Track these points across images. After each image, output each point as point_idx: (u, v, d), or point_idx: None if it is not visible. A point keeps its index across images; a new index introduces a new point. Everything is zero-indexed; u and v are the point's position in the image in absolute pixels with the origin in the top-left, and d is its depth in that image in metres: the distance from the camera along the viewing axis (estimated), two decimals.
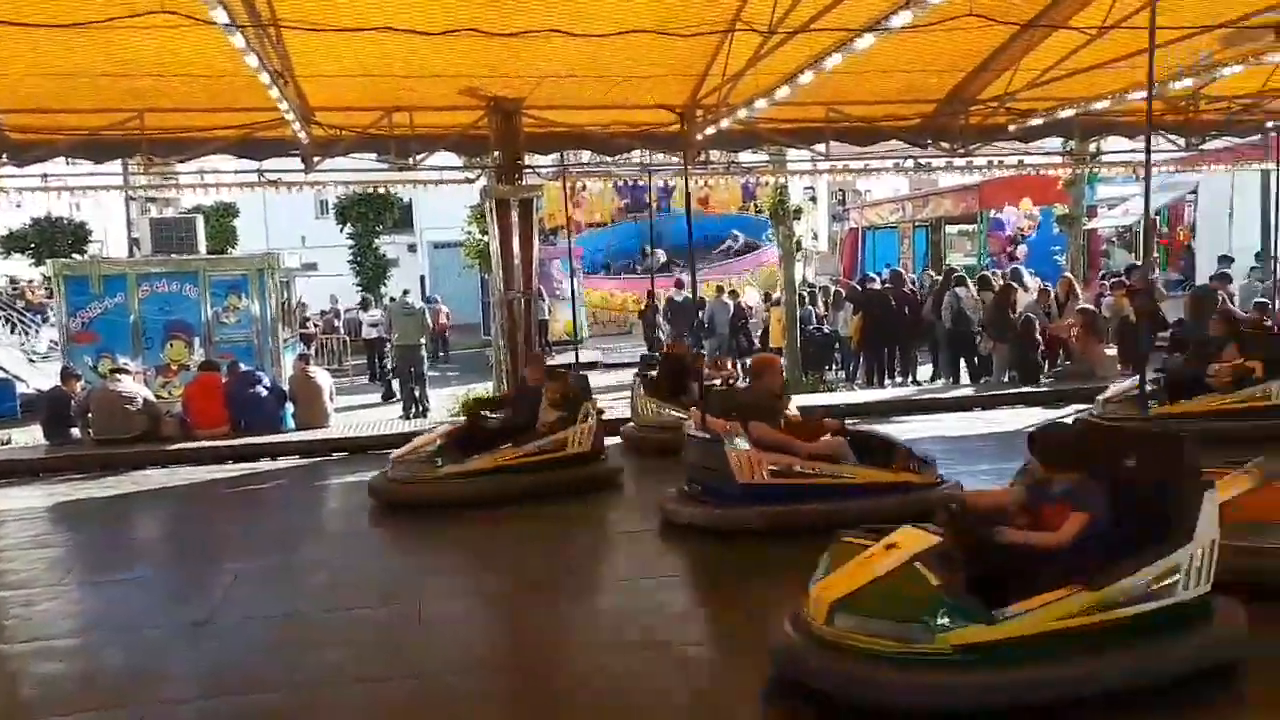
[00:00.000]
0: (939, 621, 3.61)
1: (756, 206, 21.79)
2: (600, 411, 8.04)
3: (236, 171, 13.24)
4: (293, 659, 4.69)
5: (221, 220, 25.81)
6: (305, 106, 10.34)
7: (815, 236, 28.18)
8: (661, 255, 22.42)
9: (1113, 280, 15.43)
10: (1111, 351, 13.10)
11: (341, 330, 22.25)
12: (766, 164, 14.48)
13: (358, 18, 7.79)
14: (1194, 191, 19.63)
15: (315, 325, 22.68)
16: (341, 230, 25.95)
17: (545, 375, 8.40)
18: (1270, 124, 13.20)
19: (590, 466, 7.85)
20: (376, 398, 16.61)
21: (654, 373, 9.98)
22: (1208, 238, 18.98)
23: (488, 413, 8.51)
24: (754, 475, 6.19)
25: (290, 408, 11.36)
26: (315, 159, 11.42)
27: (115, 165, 12.64)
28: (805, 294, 17.08)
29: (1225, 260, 15.60)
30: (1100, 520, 3.94)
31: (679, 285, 17.68)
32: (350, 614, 5.31)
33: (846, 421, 7.19)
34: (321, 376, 11.92)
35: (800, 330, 15.03)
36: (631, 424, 9.72)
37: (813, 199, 26.03)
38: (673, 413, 9.08)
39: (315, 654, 4.73)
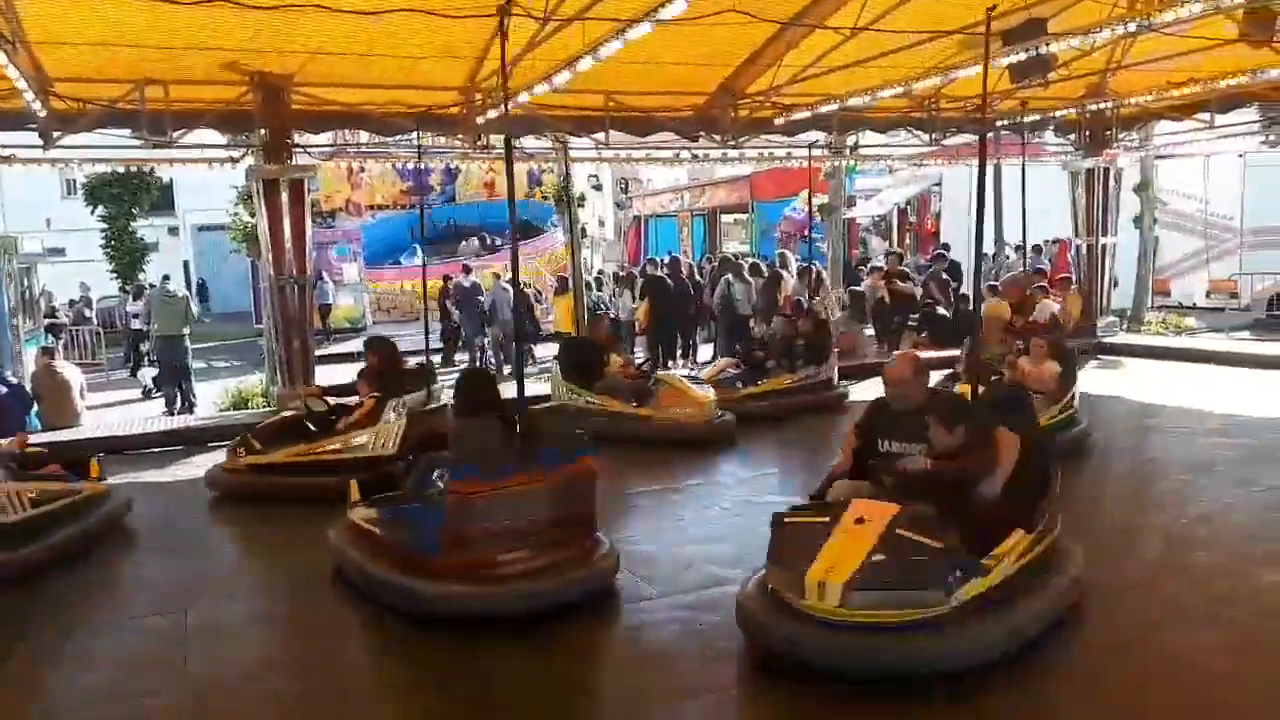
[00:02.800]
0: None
1: (542, 193, 21.83)
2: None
3: None
4: None
5: None
6: (43, 76, 9.44)
7: (602, 224, 28.65)
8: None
9: (870, 266, 16.64)
10: (870, 331, 14.20)
11: (95, 321, 20.48)
12: (549, 150, 14.57)
13: None
14: (938, 184, 21.48)
15: (64, 315, 20.75)
16: (92, 212, 23.83)
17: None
18: (1000, 122, 14.62)
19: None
20: (137, 393, 15.45)
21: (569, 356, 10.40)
22: (951, 225, 20.84)
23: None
24: None
25: (35, 407, 10.41)
26: (55, 134, 10.44)
27: None
28: (593, 280, 17.36)
29: (943, 248, 17.29)
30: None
31: (465, 270, 17.50)
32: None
33: None
34: (70, 371, 11.01)
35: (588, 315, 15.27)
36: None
37: (597, 187, 26.44)
38: (588, 398, 9.77)
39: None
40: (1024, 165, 11.06)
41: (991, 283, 15.76)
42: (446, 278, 17.63)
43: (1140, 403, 10.82)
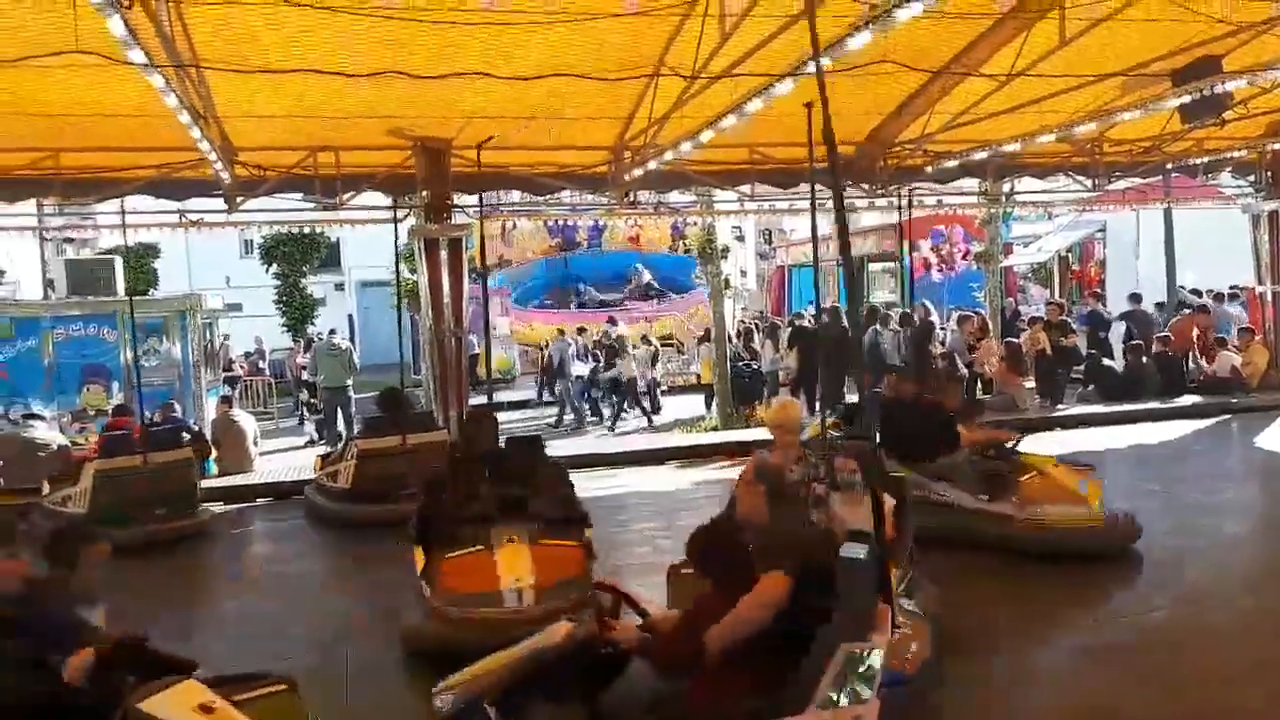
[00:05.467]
0: None
1: (685, 246, 22.02)
2: None
3: (155, 212, 12.97)
4: None
5: (141, 261, 25.18)
6: (228, 146, 10.22)
7: (744, 274, 28.62)
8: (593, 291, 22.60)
9: (1029, 316, 15.95)
10: (1030, 384, 13.56)
11: (267, 372, 21.80)
12: (693, 204, 14.71)
13: (281, 59, 7.77)
14: (1103, 229, 20.46)
15: (240, 367, 22.20)
16: (267, 270, 25.54)
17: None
18: (1169, 165, 13.86)
19: None
20: (301, 440, 16.30)
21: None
22: (1117, 273, 19.78)
23: None
24: None
25: (214, 453, 11.11)
26: (238, 199, 11.27)
27: (28, 206, 12.32)
28: (734, 331, 17.33)
29: (1135, 298, 16.27)
30: None
31: (611, 322, 17.77)
32: None
33: None
34: (245, 420, 11.70)
35: (730, 366, 15.21)
36: None
37: (740, 237, 26.48)
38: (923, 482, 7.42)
39: None
40: (1169, 210, 10.37)
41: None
42: (581, 328, 17.95)
43: None
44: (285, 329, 25.23)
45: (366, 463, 8.98)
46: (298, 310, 25.26)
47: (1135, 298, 16.16)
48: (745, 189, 12.76)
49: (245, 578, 8.06)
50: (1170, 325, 15.21)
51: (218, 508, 9.85)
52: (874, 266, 25.91)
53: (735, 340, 17.27)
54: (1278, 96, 11.20)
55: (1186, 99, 9.19)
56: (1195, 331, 14.69)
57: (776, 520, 3.80)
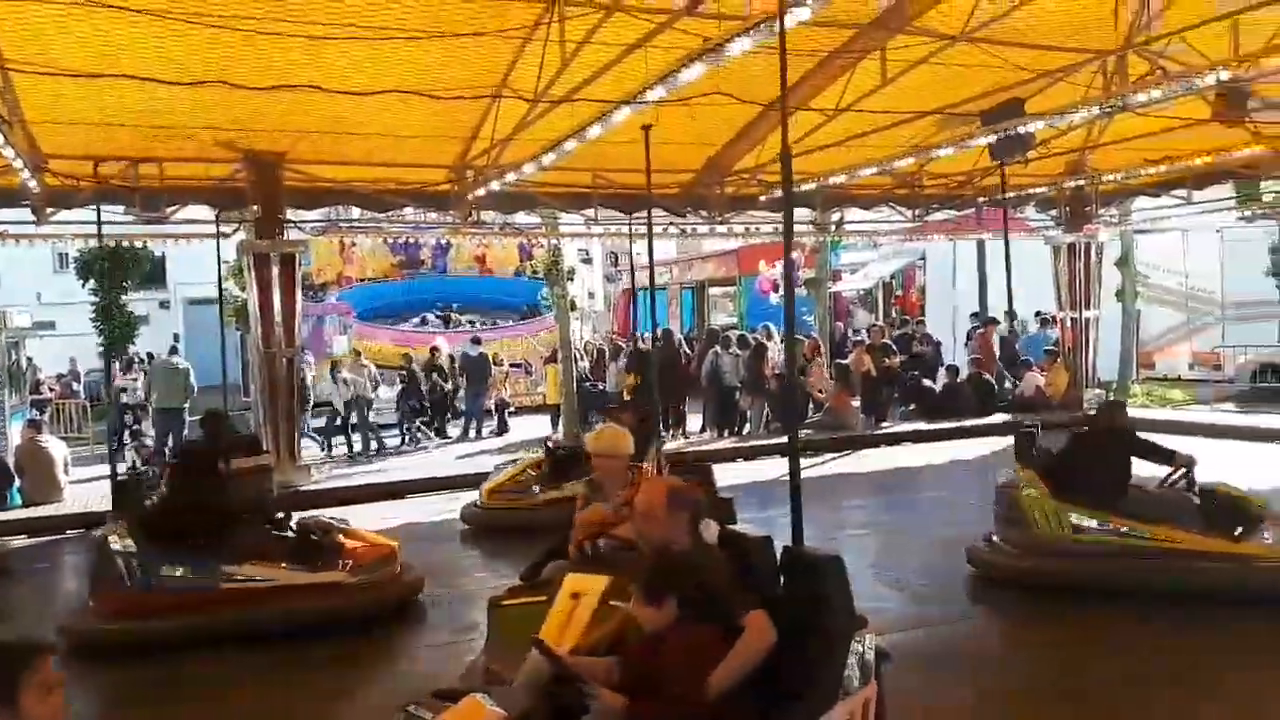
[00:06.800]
0: None
1: (533, 267, 22.02)
2: None
3: None
4: None
5: None
6: (37, 154, 9.58)
7: (591, 296, 28.85)
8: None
9: (854, 340, 16.78)
10: (857, 403, 14.23)
11: (82, 394, 20.40)
12: (539, 226, 14.76)
13: (97, 64, 7.36)
14: (923, 258, 21.77)
15: (51, 389, 20.67)
16: (83, 286, 23.90)
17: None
18: (981, 199, 14.91)
19: None
20: (122, 467, 15.29)
21: None
22: (936, 299, 21.08)
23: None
24: None
25: (17, 482, 10.31)
26: (49, 211, 10.56)
27: None
28: (579, 350, 17.44)
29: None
30: None
31: (475, 342, 17.54)
32: None
33: None
34: (54, 445, 10.93)
35: (576, 386, 15.29)
36: None
37: (586, 260, 26.69)
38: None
39: None
40: (981, 240, 11.21)
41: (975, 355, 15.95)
42: (434, 348, 17.65)
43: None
44: (103, 349, 23.68)
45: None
46: (117, 329, 23.69)
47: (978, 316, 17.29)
48: (589, 212, 12.92)
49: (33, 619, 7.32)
50: (973, 340, 16.44)
51: (19, 541, 9.14)
52: (714, 290, 26.68)
53: (582, 360, 17.38)
54: (1074, 138, 12.28)
55: (994, 138, 9.97)
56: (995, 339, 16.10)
57: (699, 549, 3.54)
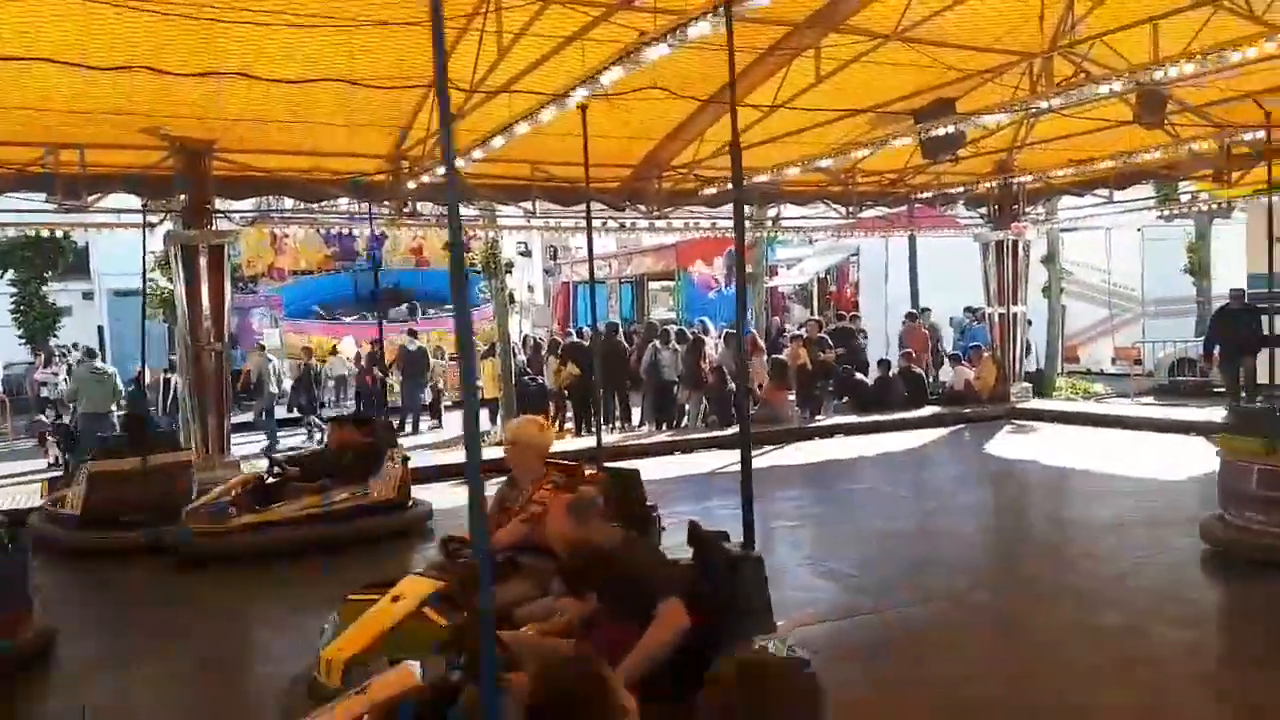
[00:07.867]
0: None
1: (470, 260, 21.82)
2: (406, 458, 8.44)
3: None
4: None
5: None
6: None
7: (531, 289, 28.72)
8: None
9: (791, 334, 16.97)
10: (792, 397, 14.41)
11: (1, 389, 19.71)
12: (477, 219, 14.62)
13: (11, 46, 7.11)
14: (856, 254, 22.10)
15: None
16: (1, 276, 23.07)
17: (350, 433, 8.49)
18: (913, 196, 15.18)
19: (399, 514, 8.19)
20: (42, 464, 14.80)
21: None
22: (869, 294, 21.43)
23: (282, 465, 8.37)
24: None
25: None
26: None
27: None
28: (517, 344, 17.35)
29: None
30: None
31: (412, 335, 17.32)
32: None
33: None
34: None
35: (515, 380, 15.20)
36: None
37: (525, 253, 26.57)
38: None
39: None
40: (913, 236, 11.41)
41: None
42: (373, 341, 17.41)
43: (1053, 466, 11.13)
44: (23, 341, 22.89)
45: (98, 486, 8.25)
46: (38, 321, 22.93)
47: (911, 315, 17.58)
48: (528, 205, 12.85)
49: None
50: (905, 335, 16.76)
51: None
52: (653, 285, 26.79)
53: (521, 353, 17.30)
54: (1002, 138, 12.57)
55: (926, 136, 10.17)
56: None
57: (630, 544, 3.61)
